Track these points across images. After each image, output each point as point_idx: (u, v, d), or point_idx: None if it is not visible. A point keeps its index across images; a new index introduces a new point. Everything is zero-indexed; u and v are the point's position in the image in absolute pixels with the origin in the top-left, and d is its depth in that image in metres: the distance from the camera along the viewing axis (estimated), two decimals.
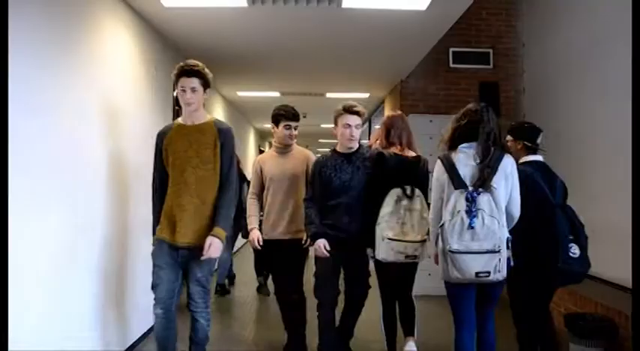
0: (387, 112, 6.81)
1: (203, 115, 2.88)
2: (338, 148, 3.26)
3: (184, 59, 2.82)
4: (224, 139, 2.82)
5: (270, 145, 3.79)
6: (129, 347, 3.56)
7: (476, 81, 5.86)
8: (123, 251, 3.47)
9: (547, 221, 2.75)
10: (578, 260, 2.78)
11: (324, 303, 3.14)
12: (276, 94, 7.17)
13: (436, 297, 4.19)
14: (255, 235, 3.44)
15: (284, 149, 3.50)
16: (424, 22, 4.00)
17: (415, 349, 3.23)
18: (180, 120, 2.92)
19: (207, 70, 2.82)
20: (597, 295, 3.76)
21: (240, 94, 7.22)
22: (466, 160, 2.53)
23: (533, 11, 5.64)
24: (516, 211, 2.57)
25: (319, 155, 3.35)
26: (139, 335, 3.73)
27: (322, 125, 10.46)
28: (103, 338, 3.15)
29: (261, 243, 3.43)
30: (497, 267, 2.40)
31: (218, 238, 2.73)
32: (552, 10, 5.20)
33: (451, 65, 5.83)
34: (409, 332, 3.30)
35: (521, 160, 2.93)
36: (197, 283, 2.79)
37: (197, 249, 2.73)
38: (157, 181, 2.93)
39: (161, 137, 2.90)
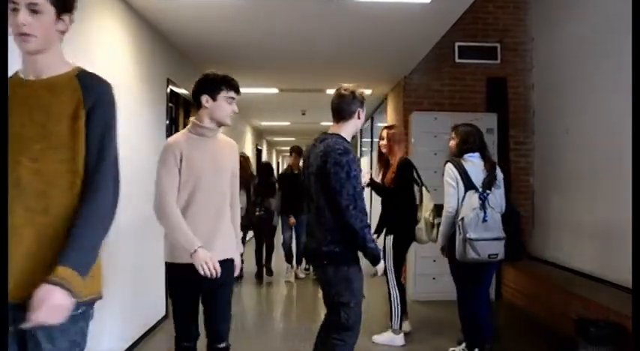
0: (391, 110, 6.67)
1: (58, 60, 1.62)
2: (347, 137, 2.62)
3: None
4: (94, 102, 1.58)
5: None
6: None
7: (483, 76, 5.70)
8: None
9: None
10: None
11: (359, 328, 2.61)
12: (274, 90, 7.04)
13: (441, 302, 4.06)
14: (207, 256, 2.26)
15: (212, 132, 2.50)
16: (428, 16, 3.89)
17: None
18: (19, 72, 1.61)
19: None
20: (609, 301, 3.68)
21: None
22: (474, 166, 3.26)
23: (541, 4, 5.49)
24: (504, 207, 3.32)
25: (340, 142, 2.54)
26: None
27: (322, 123, 10.30)
28: None
29: (217, 267, 2.27)
30: (501, 250, 3.22)
31: (61, 284, 1.37)
32: (561, 3, 5.07)
33: (457, 60, 5.66)
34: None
35: None
36: None
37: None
38: None
39: None
